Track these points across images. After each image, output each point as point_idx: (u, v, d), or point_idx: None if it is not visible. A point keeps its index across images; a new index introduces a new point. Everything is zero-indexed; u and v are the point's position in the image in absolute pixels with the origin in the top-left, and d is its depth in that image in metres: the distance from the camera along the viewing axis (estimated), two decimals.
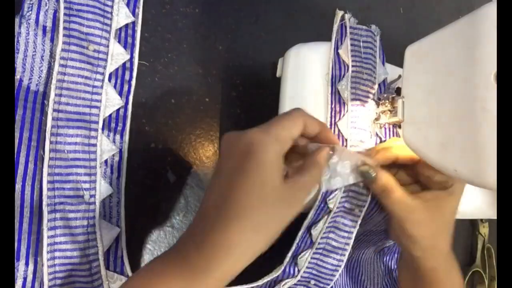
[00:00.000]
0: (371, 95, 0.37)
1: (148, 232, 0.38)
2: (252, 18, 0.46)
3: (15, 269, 0.29)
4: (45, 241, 0.29)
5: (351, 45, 0.38)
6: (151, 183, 0.38)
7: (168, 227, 0.39)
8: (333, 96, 0.37)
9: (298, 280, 0.37)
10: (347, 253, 0.36)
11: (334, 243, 0.36)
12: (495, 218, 0.49)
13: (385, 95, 0.35)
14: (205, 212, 0.25)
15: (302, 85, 0.39)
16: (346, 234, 0.36)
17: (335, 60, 0.38)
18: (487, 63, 0.24)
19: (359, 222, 0.35)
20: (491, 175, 0.24)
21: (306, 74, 0.39)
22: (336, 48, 0.38)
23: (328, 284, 0.37)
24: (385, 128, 0.37)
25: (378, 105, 0.36)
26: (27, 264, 0.29)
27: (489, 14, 0.24)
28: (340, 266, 0.36)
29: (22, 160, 0.30)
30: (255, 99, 0.45)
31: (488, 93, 0.24)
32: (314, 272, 0.37)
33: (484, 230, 0.64)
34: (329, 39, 0.40)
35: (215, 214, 0.24)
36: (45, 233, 0.29)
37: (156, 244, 0.38)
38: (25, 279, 0.29)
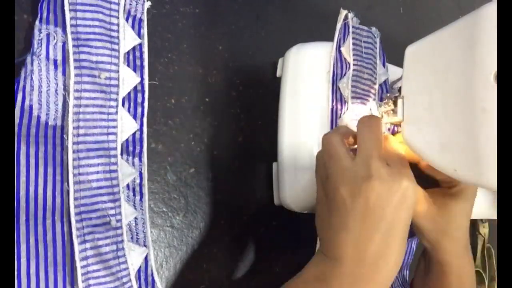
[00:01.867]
0: (371, 95, 0.37)
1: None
2: (252, 18, 0.46)
3: None
4: (79, 271, 0.30)
5: (353, 44, 0.38)
6: (151, 183, 0.38)
7: (168, 227, 0.39)
8: (334, 95, 0.38)
9: None
10: None
11: None
12: (495, 218, 0.49)
13: (388, 95, 0.35)
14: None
15: (302, 85, 0.39)
16: None
17: (337, 58, 0.38)
18: (487, 63, 0.24)
19: None
20: (491, 175, 0.24)
21: (306, 74, 0.39)
22: (339, 46, 0.39)
23: None
24: (387, 128, 0.37)
25: (381, 105, 0.36)
26: None
27: (489, 14, 0.24)
28: None
29: (49, 194, 0.30)
30: (255, 99, 0.45)
31: (488, 93, 0.24)
32: None
33: (484, 230, 0.64)
34: (329, 39, 0.40)
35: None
36: (78, 264, 0.30)
37: (156, 244, 0.38)
38: None
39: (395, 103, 0.34)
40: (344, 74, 0.38)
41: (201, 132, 0.41)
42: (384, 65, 0.40)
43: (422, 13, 0.66)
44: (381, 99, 0.37)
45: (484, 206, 0.46)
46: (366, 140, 0.30)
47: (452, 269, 0.36)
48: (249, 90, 0.44)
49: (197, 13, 0.42)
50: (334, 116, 0.38)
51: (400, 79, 0.38)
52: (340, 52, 0.38)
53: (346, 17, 0.39)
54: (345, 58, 0.38)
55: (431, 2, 0.68)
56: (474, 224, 0.64)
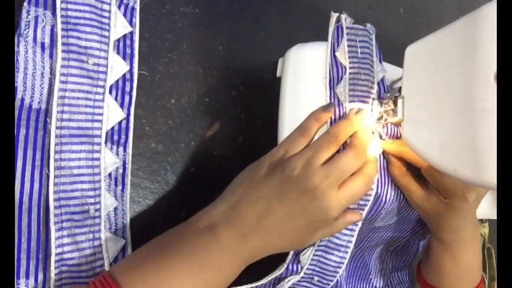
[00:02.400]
0: (371, 95, 0.37)
1: (148, 232, 0.38)
2: (252, 18, 0.46)
3: (26, 286, 0.29)
4: (53, 258, 0.30)
5: (348, 46, 0.38)
6: (151, 183, 0.38)
7: (168, 227, 0.39)
8: (332, 99, 0.37)
9: (302, 277, 0.37)
10: (349, 250, 0.36)
11: (336, 241, 0.36)
12: (495, 218, 0.49)
13: (388, 95, 0.35)
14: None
15: (302, 85, 0.39)
16: (348, 232, 0.36)
17: (332, 63, 0.38)
18: (487, 63, 0.24)
19: (360, 222, 0.36)
20: (491, 175, 0.24)
21: (306, 74, 0.39)
22: (333, 51, 0.38)
23: (332, 281, 0.37)
24: (387, 128, 0.37)
25: (381, 104, 0.36)
26: (36, 280, 0.30)
27: (489, 14, 0.24)
28: (343, 263, 0.37)
29: (27, 179, 0.30)
30: (255, 99, 0.45)
31: (488, 93, 0.24)
32: (317, 268, 0.37)
33: (484, 230, 0.64)
34: None
35: None
36: (53, 251, 0.30)
37: None
38: None
39: (395, 103, 0.34)
40: (341, 79, 0.38)
41: (201, 132, 0.41)
42: (380, 61, 0.40)
43: (422, 13, 0.66)
44: (379, 97, 0.37)
45: (484, 206, 0.46)
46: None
47: (446, 249, 0.39)
48: (249, 90, 0.44)
49: (197, 13, 0.42)
50: (334, 116, 0.38)
51: (400, 79, 0.38)
52: (335, 56, 0.38)
53: (339, 19, 0.39)
54: (340, 62, 0.38)
55: (431, 2, 0.68)
56: None
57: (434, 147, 0.28)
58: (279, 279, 0.37)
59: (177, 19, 0.41)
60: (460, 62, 0.26)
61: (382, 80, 0.39)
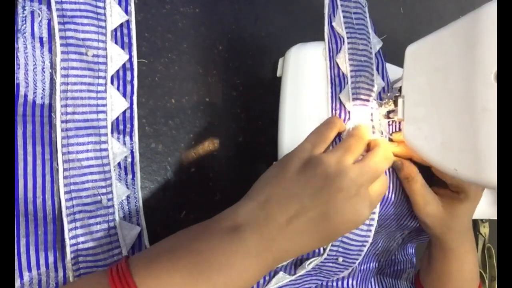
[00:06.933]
0: (371, 65, 0.37)
1: (149, 232, 0.38)
2: (252, 18, 0.46)
3: (46, 276, 0.30)
4: (68, 249, 0.30)
5: (344, 17, 0.38)
6: (151, 183, 0.38)
7: (168, 227, 0.39)
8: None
9: (325, 258, 0.37)
10: (373, 228, 0.36)
11: None
12: (495, 218, 0.49)
13: (388, 95, 0.35)
14: None
15: (302, 85, 0.39)
16: None
17: (330, 34, 0.38)
18: (487, 63, 0.24)
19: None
20: (491, 175, 0.24)
21: (306, 74, 0.39)
22: (330, 21, 0.39)
23: (357, 259, 0.37)
24: (389, 125, 0.37)
25: (381, 105, 0.36)
26: (56, 270, 0.30)
27: (489, 14, 0.24)
28: (367, 241, 0.36)
29: (39, 173, 0.30)
30: (255, 99, 0.45)
31: (488, 93, 0.24)
32: (340, 250, 0.37)
33: (484, 230, 0.64)
34: None
35: None
36: (67, 242, 0.30)
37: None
38: (56, 283, 0.30)
39: (395, 103, 0.34)
40: (340, 49, 0.38)
41: (201, 132, 0.41)
42: (375, 33, 0.40)
43: (422, 13, 0.66)
44: (381, 99, 0.37)
45: (484, 206, 0.46)
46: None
47: (453, 255, 0.38)
48: (249, 90, 0.44)
49: (197, 13, 0.42)
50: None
51: (400, 78, 0.38)
52: (332, 27, 0.38)
53: None
54: (338, 33, 0.38)
55: (431, 2, 0.68)
56: (474, 224, 0.64)
57: (435, 146, 0.28)
58: (301, 260, 0.37)
59: (177, 19, 0.41)
60: (460, 62, 0.26)
61: (379, 52, 0.39)
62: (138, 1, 0.38)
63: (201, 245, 0.26)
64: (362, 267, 0.45)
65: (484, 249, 0.63)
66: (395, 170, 0.37)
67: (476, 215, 0.41)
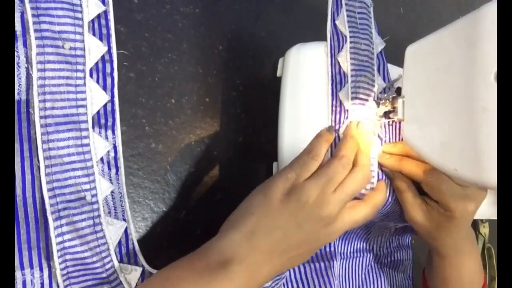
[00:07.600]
0: (372, 66, 0.37)
1: (149, 232, 0.38)
2: (252, 18, 0.46)
3: (31, 276, 0.29)
4: (54, 248, 0.30)
5: (347, 16, 0.38)
6: (151, 183, 0.38)
7: (168, 227, 0.39)
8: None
9: None
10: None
11: None
12: (495, 218, 0.49)
13: (385, 95, 0.35)
14: None
15: (302, 85, 0.39)
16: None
17: (333, 32, 0.38)
18: (487, 62, 0.24)
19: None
20: (491, 175, 0.24)
21: (306, 74, 0.39)
22: (333, 19, 0.39)
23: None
24: (384, 127, 0.37)
25: (378, 105, 0.36)
26: (41, 270, 0.30)
27: (489, 14, 0.24)
28: None
29: (18, 171, 0.30)
30: (255, 99, 0.45)
31: (488, 93, 0.24)
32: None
33: (484, 230, 0.64)
34: None
35: None
36: (53, 240, 0.29)
37: (158, 243, 0.38)
38: (42, 284, 0.30)
39: (392, 103, 0.34)
40: (342, 47, 0.38)
41: (201, 132, 0.41)
42: (379, 34, 0.40)
43: (422, 13, 0.66)
44: (379, 100, 0.37)
45: (484, 206, 0.46)
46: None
47: (448, 262, 0.39)
48: (249, 90, 0.44)
49: (197, 13, 0.42)
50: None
51: (397, 79, 0.38)
52: (335, 25, 0.38)
53: None
54: (341, 32, 0.38)
55: (431, 2, 0.68)
56: (474, 224, 0.64)
57: (435, 146, 0.28)
58: None
59: (177, 19, 0.41)
60: (460, 62, 0.26)
61: (381, 52, 0.39)
62: (138, 1, 0.38)
63: (189, 287, 0.27)
64: (351, 248, 0.46)
65: (484, 249, 0.63)
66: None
67: (476, 215, 0.41)
